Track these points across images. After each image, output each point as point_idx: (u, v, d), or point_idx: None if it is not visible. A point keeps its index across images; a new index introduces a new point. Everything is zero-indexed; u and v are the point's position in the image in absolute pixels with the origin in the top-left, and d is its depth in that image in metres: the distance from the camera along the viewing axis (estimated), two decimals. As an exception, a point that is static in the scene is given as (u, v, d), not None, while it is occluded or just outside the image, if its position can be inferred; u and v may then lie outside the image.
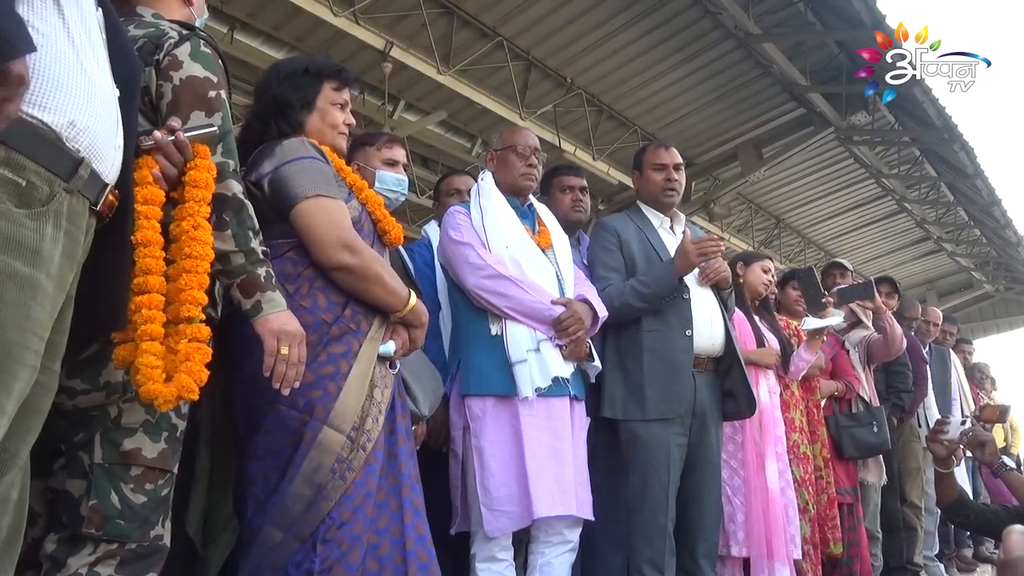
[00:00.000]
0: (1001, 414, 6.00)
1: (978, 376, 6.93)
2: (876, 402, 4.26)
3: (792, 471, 3.56)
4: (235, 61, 6.39)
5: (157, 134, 1.46)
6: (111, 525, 1.46)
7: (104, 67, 1.22)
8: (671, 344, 2.91)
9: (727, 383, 3.05)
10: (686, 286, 2.96)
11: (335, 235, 1.88)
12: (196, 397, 1.40)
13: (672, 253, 2.97)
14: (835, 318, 3.85)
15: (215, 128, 1.48)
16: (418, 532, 1.94)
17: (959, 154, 8.45)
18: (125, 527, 1.48)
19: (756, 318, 3.74)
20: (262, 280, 1.62)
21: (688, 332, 2.93)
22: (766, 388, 3.50)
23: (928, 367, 5.22)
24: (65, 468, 1.50)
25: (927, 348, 5.48)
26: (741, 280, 3.74)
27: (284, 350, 1.62)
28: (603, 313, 2.71)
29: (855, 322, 4.25)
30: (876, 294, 4.15)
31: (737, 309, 3.46)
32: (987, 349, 14.73)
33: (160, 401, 1.36)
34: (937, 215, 11.29)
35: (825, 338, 3.84)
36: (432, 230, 3.10)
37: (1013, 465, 4.10)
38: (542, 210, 2.87)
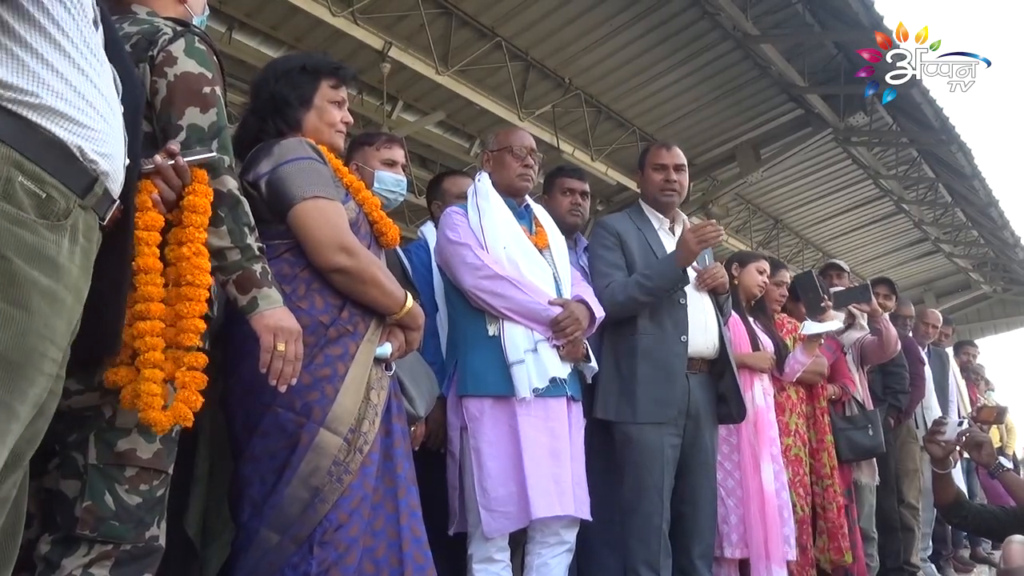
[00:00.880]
0: (998, 415, 6.01)
1: (974, 377, 6.94)
2: (869, 404, 4.26)
3: (785, 473, 3.56)
4: (233, 60, 6.38)
5: (157, 158, 1.46)
6: (105, 526, 1.46)
7: (112, 85, 1.24)
8: (665, 349, 2.91)
9: (720, 387, 3.06)
10: (683, 292, 2.96)
11: (332, 237, 1.87)
12: (191, 424, 1.45)
13: (671, 254, 2.97)
14: (835, 323, 3.85)
15: (214, 153, 1.48)
16: (414, 534, 1.94)
17: (957, 155, 8.45)
18: (119, 528, 1.47)
19: (751, 319, 3.73)
20: (258, 276, 1.61)
21: (683, 337, 2.93)
22: (761, 390, 3.50)
23: (927, 368, 5.23)
24: (59, 468, 1.50)
25: (926, 349, 5.49)
26: (736, 281, 3.73)
27: (281, 346, 1.61)
28: (600, 313, 2.71)
29: (851, 323, 4.25)
30: (873, 297, 4.16)
31: (732, 312, 3.46)
32: (985, 350, 14.70)
33: (157, 428, 1.41)
34: (935, 216, 11.30)
35: (823, 341, 3.83)
36: (429, 231, 3.09)
37: (1010, 466, 4.10)
38: (539, 211, 2.87)
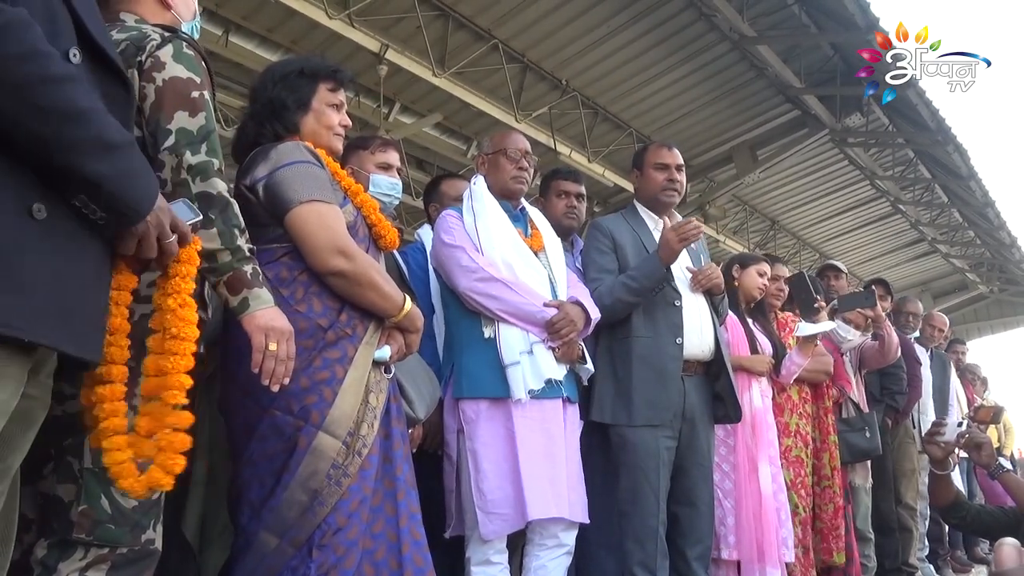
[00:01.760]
0: (995, 415, 6.02)
1: (969, 377, 6.95)
2: (865, 407, 4.27)
3: (784, 475, 3.56)
4: (230, 64, 6.38)
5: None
6: (101, 530, 1.45)
7: None
8: (661, 351, 2.91)
9: (716, 388, 3.06)
10: (678, 292, 2.96)
11: (330, 240, 1.87)
12: (169, 487, 1.39)
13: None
14: (829, 323, 3.85)
15: (201, 217, 1.47)
16: (414, 536, 1.94)
17: (953, 156, 8.47)
18: (115, 531, 1.47)
19: (750, 321, 3.73)
20: (248, 277, 1.62)
21: (678, 340, 2.92)
22: (758, 392, 3.50)
23: (928, 371, 5.24)
24: (55, 473, 1.49)
25: (929, 352, 5.50)
26: (736, 283, 3.73)
27: (272, 346, 1.62)
28: (596, 315, 2.71)
29: (864, 329, 4.26)
30: (877, 302, 4.16)
31: (731, 312, 3.46)
32: (981, 350, 14.78)
33: (132, 494, 1.38)
34: (931, 217, 11.33)
35: (819, 342, 3.83)
36: (425, 233, 3.10)
37: (1009, 466, 4.11)
38: (534, 213, 2.87)
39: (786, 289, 4.04)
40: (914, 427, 4.99)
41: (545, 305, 2.58)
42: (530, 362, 2.51)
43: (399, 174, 2.51)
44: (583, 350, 2.70)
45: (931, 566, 5.25)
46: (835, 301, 4.24)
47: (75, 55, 1.19)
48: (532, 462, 2.43)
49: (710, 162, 9.06)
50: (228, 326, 1.80)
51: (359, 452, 1.85)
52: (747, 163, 8.71)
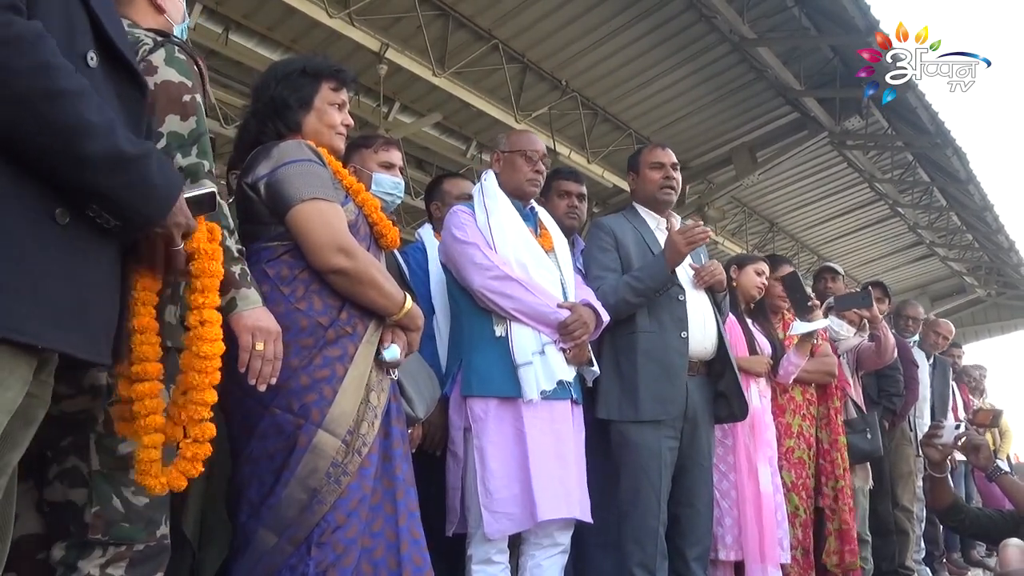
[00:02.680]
0: (994, 418, 6.03)
1: (966, 379, 6.96)
2: (864, 409, 4.27)
3: (783, 476, 3.56)
4: (230, 62, 6.38)
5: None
6: (116, 529, 1.48)
7: None
8: (666, 345, 2.91)
9: (720, 386, 3.06)
10: (681, 288, 2.96)
11: (331, 238, 1.87)
12: (183, 488, 1.44)
13: (669, 254, 2.96)
14: (823, 321, 3.84)
15: (213, 188, 1.48)
16: (413, 536, 1.94)
17: (952, 159, 8.49)
18: (130, 529, 1.50)
19: (749, 322, 3.73)
20: (236, 277, 1.65)
21: (683, 334, 2.92)
22: (757, 392, 3.50)
23: (927, 375, 5.24)
24: (62, 479, 1.51)
25: (931, 359, 5.50)
26: (735, 284, 3.73)
27: (259, 346, 1.65)
28: (605, 318, 2.71)
29: (860, 329, 4.26)
30: (874, 303, 4.16)
31: (730, 314, 3.46)
32: (979, 353, 14.77)
33: (149, 491, 1.41)
34: (930, 220, 11.34)
35: (815, 340, 3.82)
36: (426, 233, 3.09)
37: (1007, 469, 4.11)
38: (543, 213, 2.86)
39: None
40: (911, 430, 5.00)
41: (559, 307, 2.58)
42: (542, 363, 2.51)
43: (401, 173, 2.51)
44: (591, 352, 2.70)
45: (927, 568, 5.25)
46: (831, 299, 4.24)
47: (92, 58, 1.20)
48: (542, 463, 2.43)
49: (709, 164, 9.06)
50: (227, 325, 1.80)
51: (359, 451, 1.85)
52: (746, 165, 8.71)
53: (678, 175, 3.14)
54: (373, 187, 2.35)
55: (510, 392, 2.48)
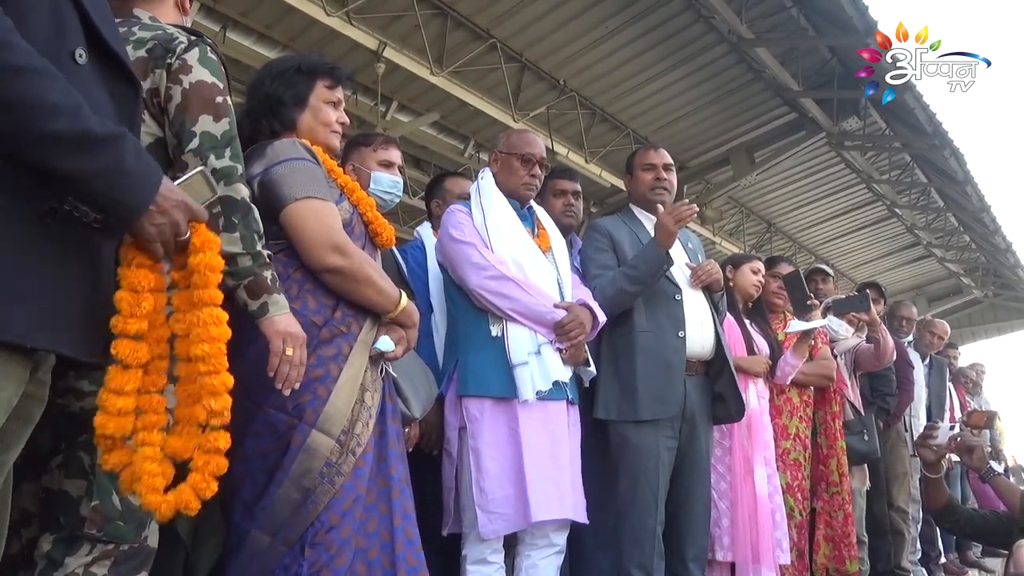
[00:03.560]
0: (988, 420, 6.02)
1: (963, 380, 6.96)
2: (862, 410, 4.27)
3: (781, 478, 3.56)
4: (227, 60, 6.34)
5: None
6: (111, 526, 1.48)
7: None
8: (664, 345, 2.90)
9: (717, 387, 3.06)
10: (678, 287, 2.96)
11: (325, 237, 1.87)
12: (196, 510, 1.34)
13: (664, 256, 2.96)
14: (820, 321, 3.84)
15: (202, 167, 1.44)
16: (407, 536, 1.93)
17: (949, 160, 8.50)
18: (124, 528, 1.49)
19: (747, 321, 3.73)
20: (268, 282, 1.65)
21: (680, 333, 2.92)
22: (755, 393, 3.49)
23: (922, 376, 5.24)
24: (62, 467, 1.50)
25: (927, 360, 5.50)
26: (731, 283, 3.73)
27: (289, 351, 1.65)
28: (602, 318, 2.71)
29: (858, 329, 4.26)
30: (872, 306, 4.16)
31: (728, 314, 3.46)
32: (976, 355, 14.77)
33: (158, 514, 1.31)
34: (927, 221, 11.35)
35: (813, 340, 3.82)
36: (426, 231, 3.09)
37: (1001, 470, 4.11)
38: (541, 213, 2.86)
39: (784, 285, 4.03)
40: (906, 430, 5.00)
41: (555, 306, 2.57)
42: (538, 363, 2.50)
43: (400, 172, 2.50)
44: (587, 352, 2.70)
45: (923, 569, 5.26)
46: (829, 300, 4.24)
47: (81, 55, 1.19)
48: (537, 463, 2.42)
49: (707, 164, 9.07)
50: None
51: (353, 451, 1.85)
52: (744, 165, 8.72)
53: (671, 176, 3.14)
54: (372, 186, 2.35)
55: (506, 392, 2.47)
